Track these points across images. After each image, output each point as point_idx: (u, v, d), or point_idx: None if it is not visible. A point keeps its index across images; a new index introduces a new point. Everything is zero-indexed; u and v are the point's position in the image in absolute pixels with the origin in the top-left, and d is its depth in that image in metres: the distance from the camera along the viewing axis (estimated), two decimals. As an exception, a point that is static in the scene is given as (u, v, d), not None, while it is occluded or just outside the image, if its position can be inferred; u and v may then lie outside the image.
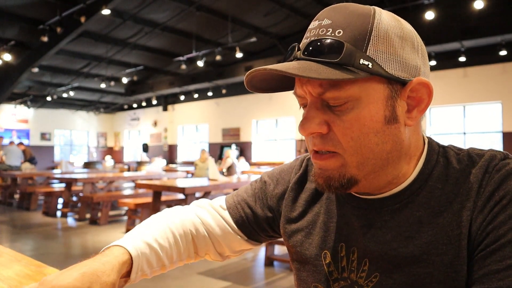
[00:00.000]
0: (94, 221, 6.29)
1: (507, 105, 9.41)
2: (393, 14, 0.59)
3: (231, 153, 8.73)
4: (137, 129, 18.54)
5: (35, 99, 15.60)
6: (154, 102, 15.35)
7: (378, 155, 0.57)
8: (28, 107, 16.17)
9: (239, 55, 9.81)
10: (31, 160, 10.38)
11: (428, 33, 8.80)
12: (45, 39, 8.59)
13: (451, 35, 8.62)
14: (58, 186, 8.14)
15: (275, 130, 13.66)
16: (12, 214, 7.37)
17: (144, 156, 15.14)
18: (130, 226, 5.52)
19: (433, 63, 9.50)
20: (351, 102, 0.55)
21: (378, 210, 0.62)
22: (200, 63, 10.48)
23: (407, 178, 0.61)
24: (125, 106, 18.21)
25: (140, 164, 13.14)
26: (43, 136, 17.10)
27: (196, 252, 0.79)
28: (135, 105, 17.30)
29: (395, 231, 0.59)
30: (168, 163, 15.06)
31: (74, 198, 7.58)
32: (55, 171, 10.27)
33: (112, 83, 12.86)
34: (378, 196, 0.62)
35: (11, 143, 10.12)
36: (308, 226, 0.71)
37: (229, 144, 14.22)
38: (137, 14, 9.32)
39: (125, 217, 6.54)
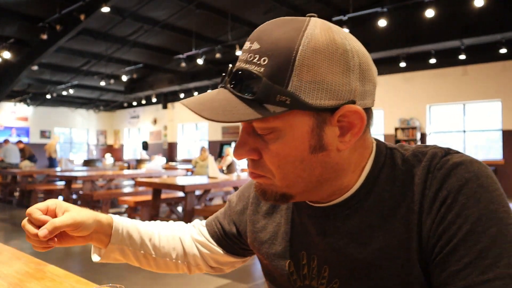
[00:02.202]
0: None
1: (507, 103, 9.40)
2: (330, 30, 0.54)
3: (231, 151, 8.73)
4: (137, 127, 18.53)
5: (35, 97, 15.58)
6: (154, 100, 15.34)
7: (307, 179, 0.57)
8: (28, 105, 16.16)
9: (239, 53, 9.79)
10: (30, 158, 10.37)
11: (428, 31, 8.79)
12: (44, 36, 8.57)
13: (451, 33, 8.61)
14: (58, 184, 8.14)
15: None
16: (12, 212, 7.37)
17: (144, 154, 15.13)
18: (130, 224, 5.51)
19: (433, 61, 9.49)
20: (276, 133, 0.54)
21: (330, 217, 0.62)
22: (200, 61, 10.46)
23: (353, 186, 0.61)
24: (125, 104, 18.19)
25: (140, 162, 13.14)
26: (42, 134, 17.09)
27: (188, 261, 0.84)
28: (134, 103, 17.27)
29: (348, 238, 0.60)
30: (168, 161, 15.05)
31: (74, 196, 7.57)
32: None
33: (112, 81, 12.84)
34: (329, 204, 0.62)
35: (6, 141, 10.10)
36: (271, 237, 0.72)
37: (229, 142, 14.21)
38: (136, 11, 9.30)
39: (125, 215, 6.53)
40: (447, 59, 9.68)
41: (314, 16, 0.57)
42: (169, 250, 0.82)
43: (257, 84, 0.51)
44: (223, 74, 0.58)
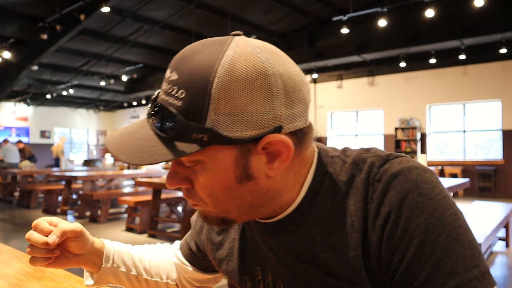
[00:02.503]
0: (94, 219, 6.29)
1: (507, 103, 9.41)
2: (252, 51, 0.51)
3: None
4: (137, 127, 18.51)
5: (35, 97, 15.58)
6: (154, 100, 15.32)
7: (239, 205, 0.56)
8: (28, 105, 16.16)
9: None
10: (30, 158, 10.37)
11: (428, 31, 8.79)
12: (44, 36, 8.57)
13: (451, 33, 8.61)
14: (58, 184, 8.14)
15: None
16: (12, 212, 7.37)
17: (144, 154, 15.09)
18: (130, 224, 5.52)
19: (433, 61, 9.50)
20: (201, 165, 0.53)
21: (276, 234, 0.61)
22: (200, 61, 10.47)
23: (294, 201, 0.59)
24: (125, 104, 18.19)
25: (140, 162, 13.11)
26: (42, 134, 17.09)
27: (176, 284, 0.88)
28: (134, 103, 17.27)
29: (294, 254, 0.59)
30: (167, 161, 15.02)
31: (74, 196, 7.58)
32: (55, 169, 10.27)
33: (112, 81, 12.84)
34: (274, 220, 0.61)
35: (5, 141, 10.10)
36: (228, 254, 0.72)
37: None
38: (136, 11, 9.30)
39: (125, 215, 6.54)
40: (447, 59, 9.69)
41: (239, 35, 0.55)
42: (159, 271, 0.85)
43: (174, 121, 0.50)
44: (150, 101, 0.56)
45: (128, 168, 13.33)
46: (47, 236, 0.66)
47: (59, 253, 0.69)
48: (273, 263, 0.63)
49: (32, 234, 0.67)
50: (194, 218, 0.86)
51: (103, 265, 0.76)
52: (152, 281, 0.84)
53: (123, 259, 0.79)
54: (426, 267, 0.49)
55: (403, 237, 0.51)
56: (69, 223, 0.70)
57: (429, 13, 7.51)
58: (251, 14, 9.99)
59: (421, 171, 0.54)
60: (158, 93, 0.55)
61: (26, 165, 9.84)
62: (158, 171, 8.40)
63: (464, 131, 10.30)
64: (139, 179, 5.81)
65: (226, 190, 0.54)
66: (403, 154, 0.58)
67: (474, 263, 0.49)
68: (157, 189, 5.05)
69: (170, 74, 0.53)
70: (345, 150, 0.62)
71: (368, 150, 0.59)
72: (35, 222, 0.68)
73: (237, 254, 0.70)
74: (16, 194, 8.65)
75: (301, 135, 0.55)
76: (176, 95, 0.50)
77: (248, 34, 10.38)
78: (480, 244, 2.79)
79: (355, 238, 0.54)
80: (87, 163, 13.18)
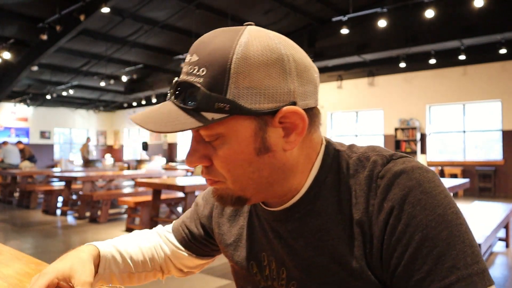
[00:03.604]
0: (94, 219, 6.29)
1: (506, 104, 9.41)
2: (263, 36, 0.56)
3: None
4: (137, 128, 18.52)
5: (35, 97, 15.58)
6: (154, 100, 15.32)
7: (257, 180, 0.59)
8: (28, 105, 16.16)
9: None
10: (30, 158, 10.37)
11: (428, 31, 8.80)
12: (44, 37, 8.57)
13: (451, 33, 8.62)
14: (57, 184, 8.14)
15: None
16: (12, 213, 7.37)
17: (144, 155, 15.13)
18: (130, 224, 5.52)
19: (433, 61, 9.50)
20: (221, 138, 0.56)
21: (283, 222, 0.64)
22: (200, 61, 10.47)
23: (301, 188, 0.62)
24: (125, 105, 18.19)
25: (139, 162, 13.15)
26: (42, 134, 17.09)
27: (161, 270, 0.88)
28: (134, 104, 17.28)
29: (302, 241, 0.62)
30: (167, 161, 15.05)
31: (74, 197, 7.57)
32: (54, 169, 10.27)
33: (112, 81, 12.84)
34: (281, 208, 0.64)
35: (5, 143, 10.09)
36: (236, 240, 0.75)
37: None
38: (136, 12, 9.31)
39: (125, 215, 6.54)
40: (447, 60, 9.69)
41: (251, 25, 0.59)
42: (146, 261, 0.84)
43: (197, 94, 0.54)
44: (170, 87, 0.60)
45: (128, 168, 13.33)
46: None
47: None
48: (278, 250, 0.66)
49: None
50: (200, 201, 0.87)
51: (97, 273, 0.73)
52: (141, 273, 0.83)
53: (116, 262, 0.78)
54: (428, 261, 0.51)
55: (405, 232, 0.53)
56: (84, 276, 0.64)
57: (429, 13, 7.51)
58: (251, 14, 9.99)
59: (424, 171, 0.56)
60: (178, 77, 0.59)
61: (26, 165, 9.83)
62: (158, 171, 8.40)
63: (464, 132, 10.30)
64: (139, 180, 5.81)
65: (245, 163, 0.57)
66: (407, 155, 0.60)
67: (474, 260, 0.51)
68: (157, 190, 5.04)
69: (190, 57, 0.57)
70: (352, 146, 0.65)
71: (373, 149, 0.62)
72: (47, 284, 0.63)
73: (245, 239, 0.73)
74: (16, 194, 8.65)
75: (312, 114, 0.60)
76: (197, 74, 0.55)
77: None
78: (480, 245, 2.79)
79: (358, 230, 0.57)
80: (87, 163, 13.17)
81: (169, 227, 0.91)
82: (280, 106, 0.55)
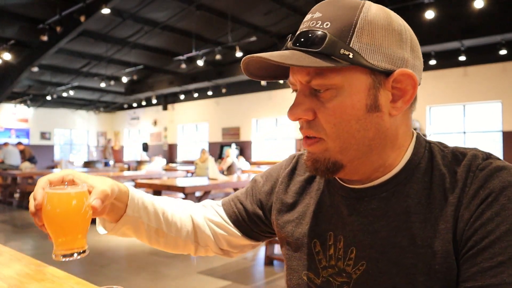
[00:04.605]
0: (94, 220, 6.28)
1: (507, 104, 9.40)
2: (385, 9, 0.60)
3: (231, 152, 8.73)
4: (137, 128, 18.53)
5: (35, 98, 15.58)
6: (154, 101, 15.34)
7: (360, 141, 0.59)
8: (28, 106, 16.16)
9: (239, 54, 9.79)
10: (31, 159, 10.36)
11: (428, 32, 8.79)
12: (45, 38, 8.57)
13: (451, 34, 8.62)
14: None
15: (275, 129, 13.66)
16: (12, 213, 7.37)
17: (144, 156, 15.13)
18: (130, 225, 5.50)
19: (433, 62, 9.50)
20: (334, 90, 0.57)
21: (366, 199, 0.63)
22: (200, 62, 10.46)
23: (394, 168, 0.62)
24: (125, 105, 18.19)
25: (140, 163, 13.14)
26: (43, 135, 17.09)
27: (196, 241, 0.82)
28: (135, 104, 17.28)
29: (383, 221, 0.61)
30: (168, 162, 15.05)
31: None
32: (55, 170, 10.26)
33: (112, 82, 12.84)
34: (366, 185, 0.64)
35: (6, 144, 10.09)
36: (299, 216, 0.74)
37: (229, 143, 14.21)
38: (137, 13, 9.31)
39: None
40: (447, 61, 9.69)
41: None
42: (181, 227, 0.79)
43: (322, 40, 0.56)
44: (287, 38, 0.62)
45: (128, 169, 13.33)
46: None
47: None
48: (350, 229, 0.64)
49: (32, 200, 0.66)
50: (260, 178, 0.85)
51: (126, 213, 0.71)
52: (172, 236, 0.79)
53: (147, 209, 0.74)
54: (504, 253, 0.51)
55: (493, 220, 0.53)
56: (95, 193, 0.65)
57: (429, 14, 7.51)
58: (251, 15, 9.99)
59: None
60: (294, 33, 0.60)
61: (26, 166, 9.83)
62: (158, 172, 8.40)
63: (464, 132, 10.30)
64: (139, 181, 5.80)
65: (353, 119, 0.58)
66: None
67: None
68: (157, 191, 5.05)
69: (312, 15, 0.59)
70: (441, 142, 0.67)
71: (466, 148, 0.64)
72: (40, 182, 0.64)
73: (309, 217, 0.72)
74: (16, 195, 8.65)
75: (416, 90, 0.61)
76: (321, 27, 0.57)
77: (248, 36, 10.40)
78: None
79: (450, 212, 0.57)
80: (87, 164, 13.18)
81: (218, 201, 0.88)
82: (395, 68, 0.57)
